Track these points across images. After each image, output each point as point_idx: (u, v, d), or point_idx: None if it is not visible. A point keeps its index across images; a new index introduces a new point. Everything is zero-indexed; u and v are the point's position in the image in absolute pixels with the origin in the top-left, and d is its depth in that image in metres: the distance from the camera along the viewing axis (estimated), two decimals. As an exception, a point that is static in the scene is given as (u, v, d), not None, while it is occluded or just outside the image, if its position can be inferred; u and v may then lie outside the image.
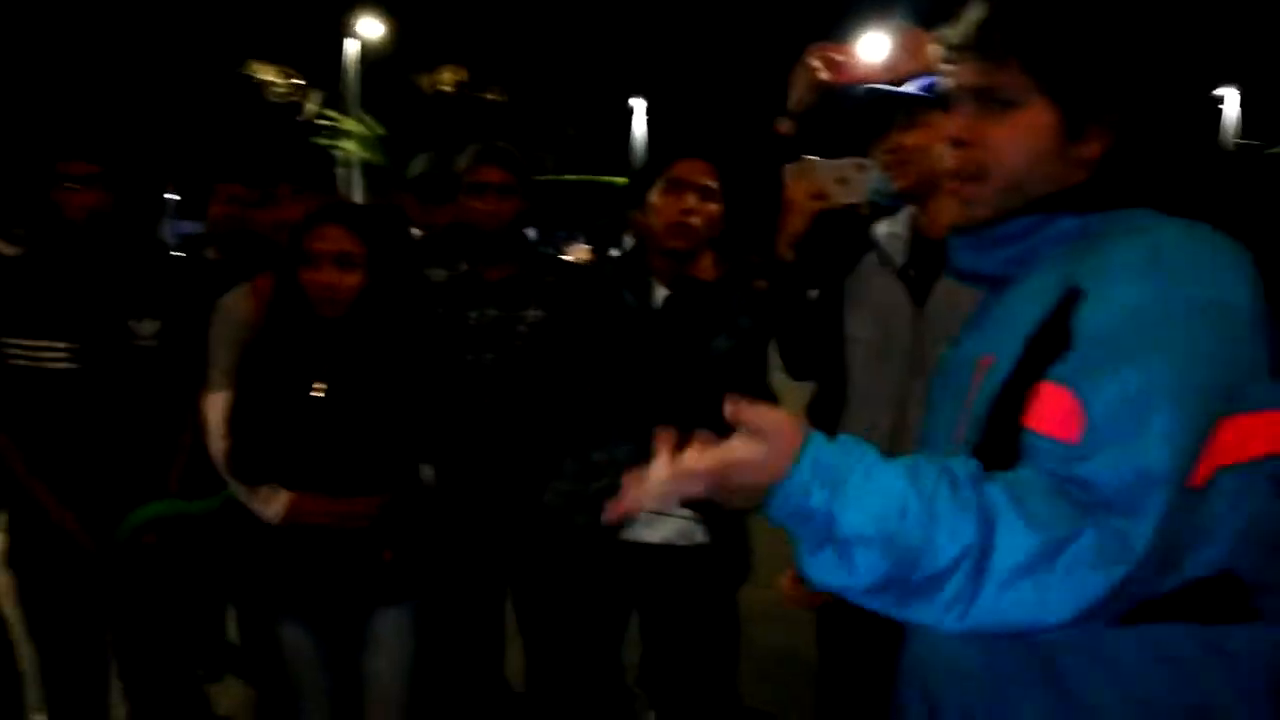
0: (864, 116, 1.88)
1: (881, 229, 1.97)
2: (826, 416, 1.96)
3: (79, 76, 16.98)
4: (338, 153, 18.55)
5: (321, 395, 1.89)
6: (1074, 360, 0.89)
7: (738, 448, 0.88)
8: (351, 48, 20.14)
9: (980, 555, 0.83)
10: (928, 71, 1.86)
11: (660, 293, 2.12)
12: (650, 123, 27.20)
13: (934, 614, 0.85)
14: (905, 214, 1.93)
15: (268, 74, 20.98)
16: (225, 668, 2.98)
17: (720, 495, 0.91)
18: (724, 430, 0.90)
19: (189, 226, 7.23)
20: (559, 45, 22.64)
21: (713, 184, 2.07)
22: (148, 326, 2.19)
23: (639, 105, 26.85)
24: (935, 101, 1.78)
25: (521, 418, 2.26)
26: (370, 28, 20.21)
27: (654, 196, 2.08)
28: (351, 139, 20.00)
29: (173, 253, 3.02)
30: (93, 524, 2.14)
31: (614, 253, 12.29)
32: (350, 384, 1.90)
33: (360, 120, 20.30)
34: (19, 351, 2.12)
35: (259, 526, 1.93)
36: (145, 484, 2.18)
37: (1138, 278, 0.89)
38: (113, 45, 18.08)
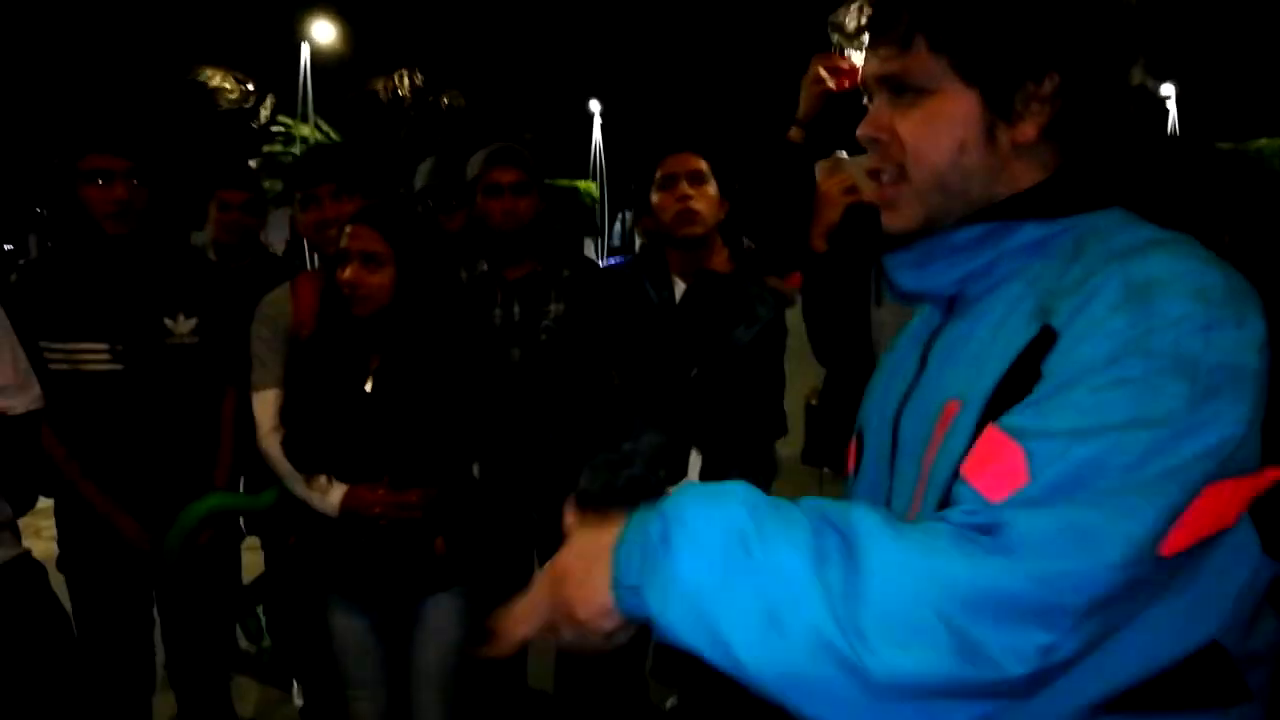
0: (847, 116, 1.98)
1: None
2: (845, 400, 2.05)
3: (33, 80, 16.58)
4: (290, 159, 18.32)
5: (369, 390, 1.93)
6: (1030, 407, 0.74)
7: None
8: (305, 52, 19.92)
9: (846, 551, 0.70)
10: None
11: (680, 287, 2.21)
12: (606, 126, 27.27)
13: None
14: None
15: (218, 79, 20.66)
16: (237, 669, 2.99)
17: (566, 623, 0.83)
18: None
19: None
20: (517, 49, 22.61)
21: (702, 167, 2.18)
22: (184, 324, 2.21)
23: (597, 108, 26.93)
24: None
25: (550, 412, 2.32)
26: (324, 31, 20.01)
27: (654, 197, 2.19)
28: (306, 144, 19.77)
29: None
30: (142, 520, 2.16)
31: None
32: (394, 379, 1.93)
33: (315, 126, 20.08)
34: (59, 356, 2.12)
35: (312, 518, 1.96)
36: (189, 480, 2.19)
37: (1124, 327, 0.73)
38: (53, 49, 17.66)
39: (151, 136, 2.22)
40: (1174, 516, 0.70)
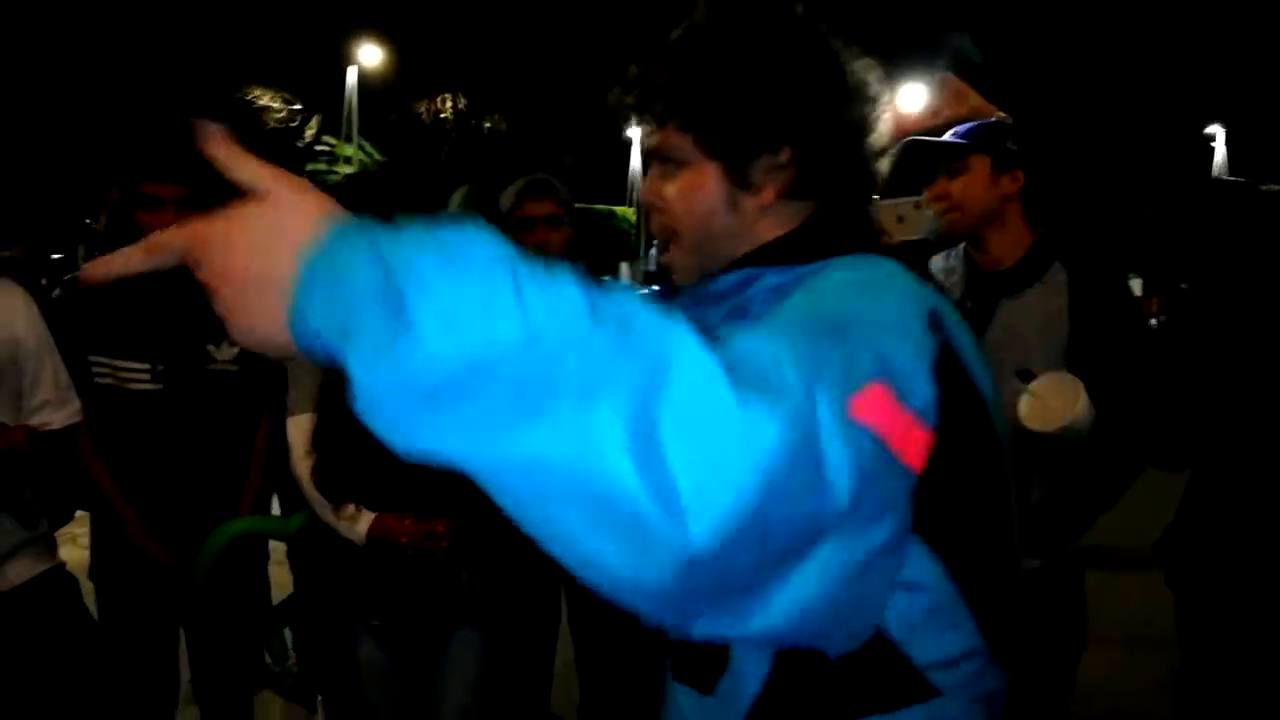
0: (908, 166, 1.99)
1: (937, 263, 2.07)
2: None
3: (79, 102, 17.06)
4: (334, 178, 18.64)
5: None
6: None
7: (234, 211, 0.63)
8: (351, 75, 20.33)
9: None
10: (972, 116, 1.98)
11: None
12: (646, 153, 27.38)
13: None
14: (960, 248, 2.02)
15: (266, 99, 21.13)
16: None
17: (208, 275, 0.65)
18: None
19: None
20: (558, 76, 22.92)
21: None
22: (226, 351, 2.25)
23: (636, 135, 27.09)
24: (971, 147, 1.90)
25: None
26: (370, 55, 20.42)
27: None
28: (350, 164, 20.12)
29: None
30: (171, 540, 2.19)
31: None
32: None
33: (359, 147, 20.44)
34: (105, 370, 2.18)
35: (339, 544, 1.98)
36: (219, 504, 2.23)
37: (798, 301, 0.81)
38: (113, 70, 18.17)
39: (207, 166, 2.27)
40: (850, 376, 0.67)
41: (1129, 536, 3.04)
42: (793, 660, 0.82)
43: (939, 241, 2.07)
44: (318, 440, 1.99)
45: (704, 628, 0.62)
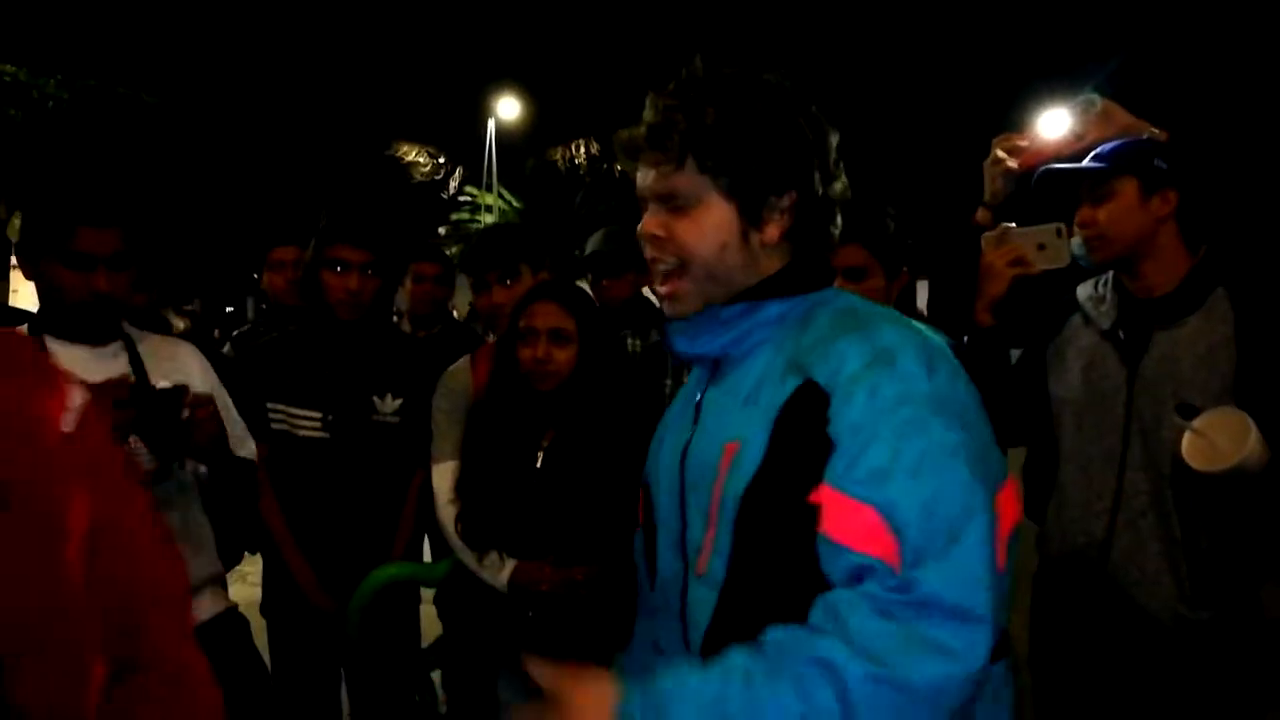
0: (1049, 194, 1.91)
1: (1084, 291, 1.96)
2: (1041, 480, 1.95)
3: (236, 161, 18.42)
4: (476, 226, 19.38)
5: (540, 466, 1.99)
6: (847, 461, 0.97)
7: None
8: (490, 127, 21.20)
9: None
10: (1122, 137, 1.87)
11: None
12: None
13: None
14: (1110, 275, 1.92)
15: (413, 154, 22.26)
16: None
17: None
18: None
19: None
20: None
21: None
22: (390, 404, 2.37)
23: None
24: (1114, 170, 1.80)
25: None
26: (507, 107, 21.25)
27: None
28: (491, 213, 20.92)
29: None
30: (330, 582, 2.31)
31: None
32: (565, 455, 1.99)
33: (499, 195, 21.23)
34: (280, 416, 2.32)
35: (482, 590, 2.04)
36: (376, 548, 2.33)
37: (882, 381, 0.99)
38: (265, 129, 19.55)
39: (392, 232, 2.43)
40: (993, 512, 0.96)
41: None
42: None
43: (1085, 268, 1.97)
44: (461, 488, 2.06)
45: None
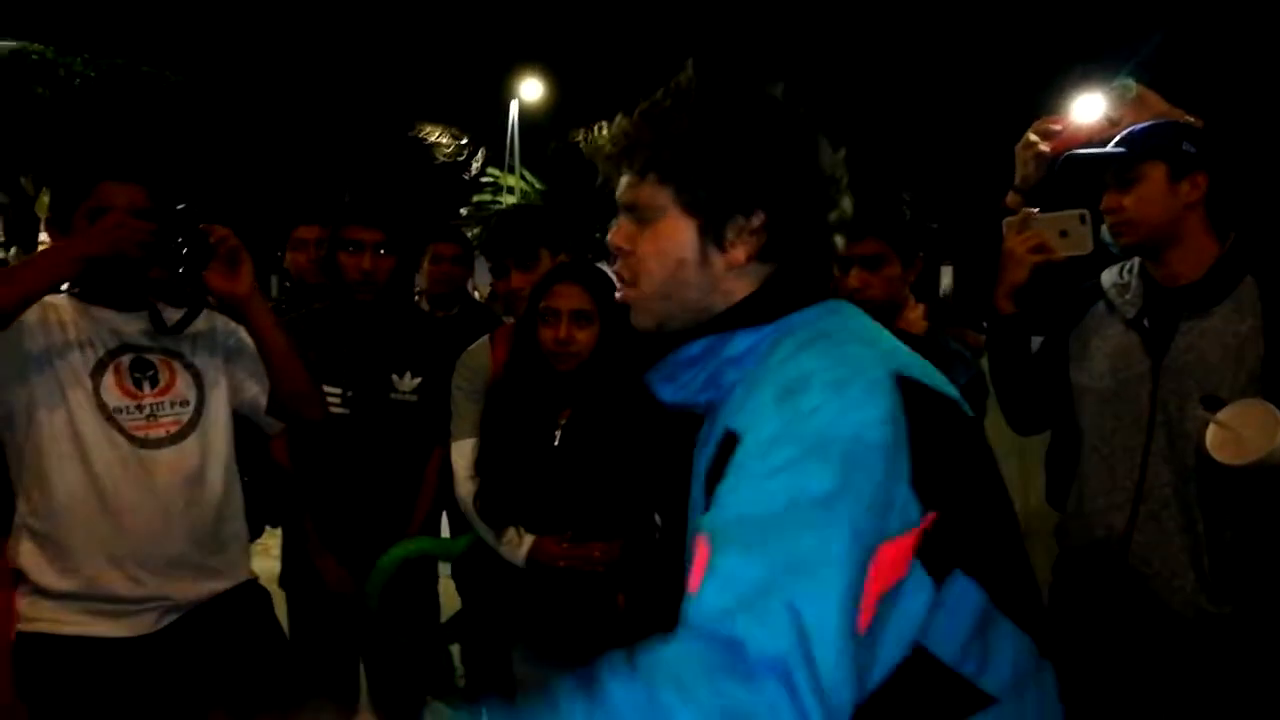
0: (1074, 179, 1.89)
1: (1109, 278, 1.94)
2: (1063, 469, 1.94)
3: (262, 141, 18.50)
4: (497, 207, 19.40)
5: (557, 444, 2.01)
6: (717, 501, 0.89)
7: None
8: (513, 108, 21.17)
9: None
10: (1155, 117, 1.84)
11: None
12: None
13: None
14: (1135, 262, 1.89)
15: (436, 135, 22.28)
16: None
17: None
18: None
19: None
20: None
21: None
22: (408, 381, 2.39)
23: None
24: (1141, 155, 1.77)
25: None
26: (530, 88, 21.20)
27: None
28: (513, 194, 20.92)
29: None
30: (348, 557, 2.34)
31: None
32: (582, 433, 2.00)
33: (521, 177, 21.22)
34: None
35: (500, 566, 2.06)
36: (394, 525, 2.36)
37: (775, 419, 0.89)
38: (289, 109, 19.62)
39: (403, 212, 2.46)
40: (858, 587, 0.82)
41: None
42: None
43: (1110, 255, 1.95)
44: (480, 465, 2.08)
45: None
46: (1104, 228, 1.88)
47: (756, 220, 1.01)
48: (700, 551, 0.86)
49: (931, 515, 0.89)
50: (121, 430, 1.79)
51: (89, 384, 1.79)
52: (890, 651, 0.89)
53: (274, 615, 2.11)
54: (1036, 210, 1.94)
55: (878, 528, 0.85)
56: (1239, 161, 1.87)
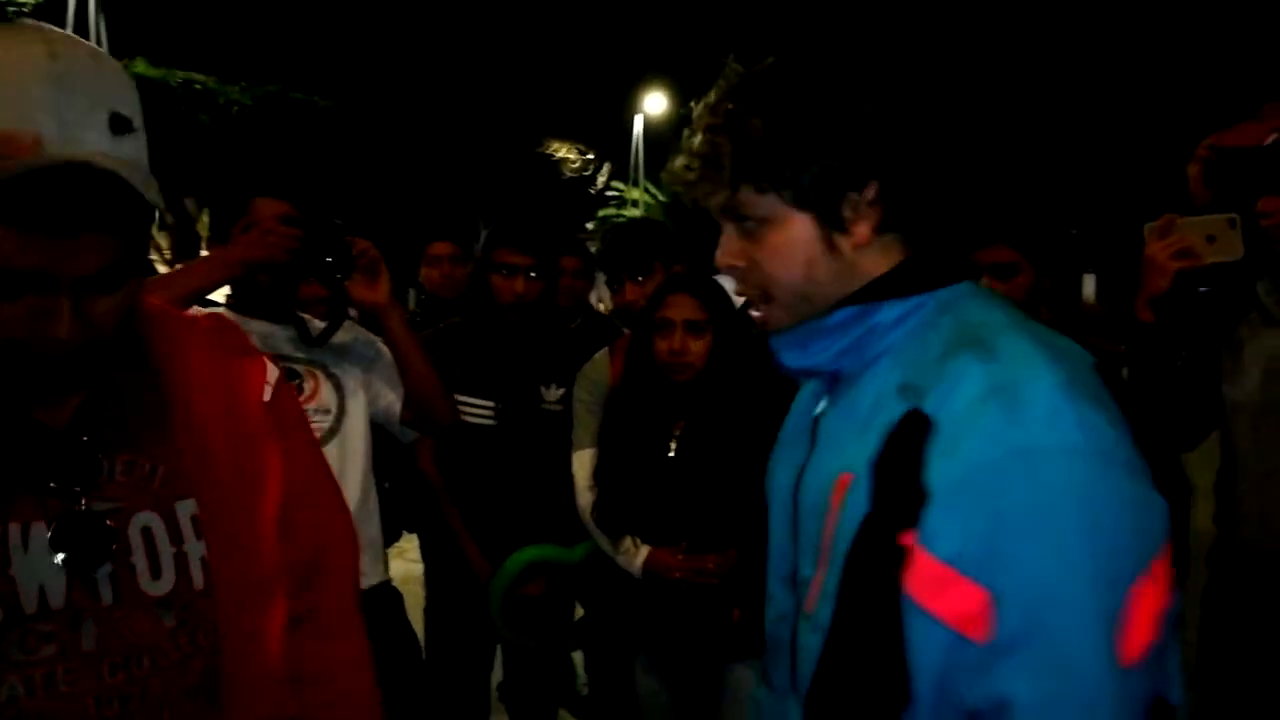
0: (1231, 179, 1.77)
1: (1264, 287, 1.82)
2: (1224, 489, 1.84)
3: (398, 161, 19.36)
4: (620, 220, 19.66)
5: (672, 455, 2.02)
6: (941, 522, 0.82)
7: None
8: (638, 123, 21.48)
9: None
10: None
11: None
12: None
13: None
14: (1294, 270, 1.77)
15: (563, 151, 22.82)
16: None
17: None
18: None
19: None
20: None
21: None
22: (554, 392, 2.47)
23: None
24: None
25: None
26: (655, 103, 21.46)
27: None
28: (637, 208, 21.17)
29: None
30: (496, 563, 2.40)
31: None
32: (697, 444, 2.01)
33: (646, 189, 21.46)
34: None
35: (618, 575, 2.09)
36: (539, 532, 2.41)
37: (993, 428, 0.82)
38: (424, 129, 20.43)
39: (552, 236, 2.54)
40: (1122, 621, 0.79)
41: None
42: None
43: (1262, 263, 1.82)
44: (599, 475, 2.11)
45: None
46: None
47: (870, 191, 0.95)
48: (964, 590, 0.82)
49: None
50: None
51: None
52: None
53: (406, 617, 2.20)
54: (1178, 215, 1.84)
55: (1144, 539, 0.82)
56: None
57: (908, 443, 0.86)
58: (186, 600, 0.96)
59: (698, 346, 1.99)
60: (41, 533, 0.91)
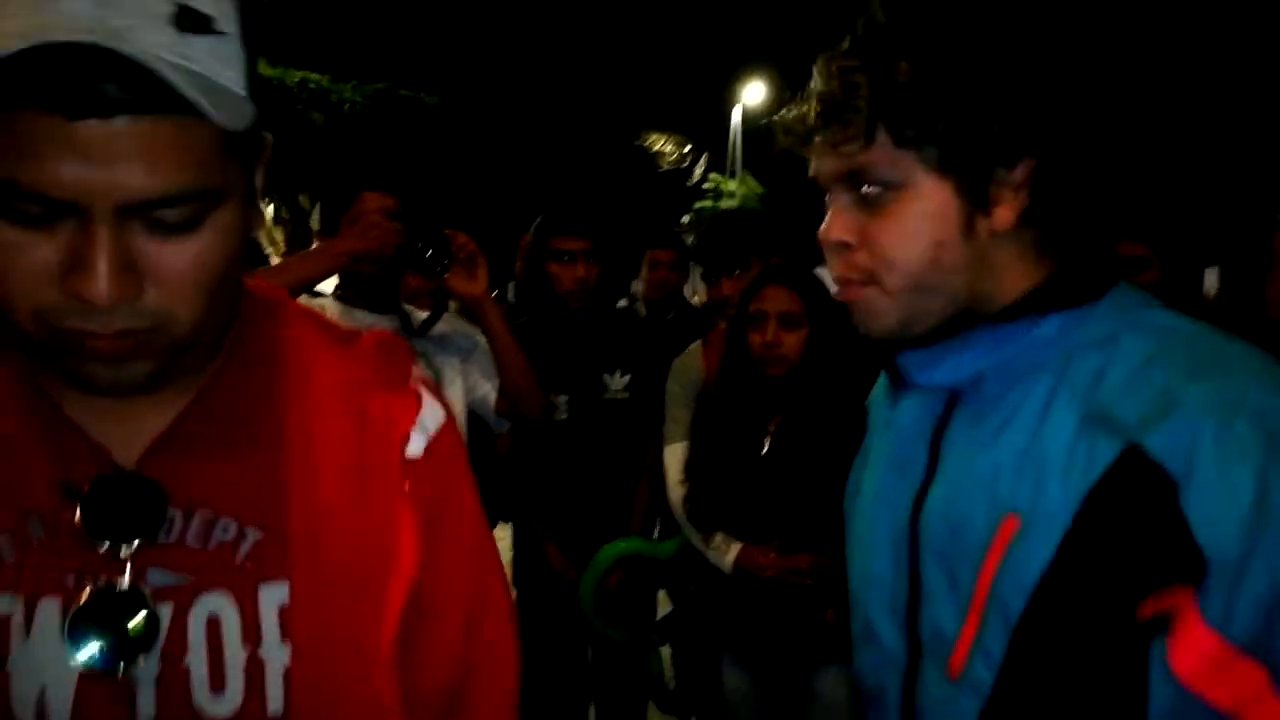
0: None
1: None
2: None
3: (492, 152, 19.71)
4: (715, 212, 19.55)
5: (766, 451, 1.99)
6: (1233, 594, 0.69)
7: None
8: (736, 114, 21.28)
9: None
10: None
11: None
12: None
13: None
14: None
15: (660, 144, 22.81)
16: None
17: None
18: None
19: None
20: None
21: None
22: (619, 380, 2.47)
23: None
24: None
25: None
26: (754, 93, 21.22)
27: None
28: (734, 199, 21.00)
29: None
30: (574, 555, 2.43)
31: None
32: (792, 441, 1.97)
33: (743, 181, 21.28)
34: None
35: (708, 571, 2.07)
36: (612, 524, 2.43)
37: (1272, 476, 0.68)
38: (525, 124, 20.73)
39: (610, 220, 2.54)
40: None
41: None
42: None
43: None
44: (690, 469, 2.09)
45: None
46: None
47: (1021, 171, 0.80)
48: (1250, 675, 0.70)
49: None
50: None
51: None
52: None
53: None
54: None
55: None
56: None
57: (1139, 492, 0.72)
58: None
59: (792, 340, 1.95)
60: (54, 612, 0.63)
